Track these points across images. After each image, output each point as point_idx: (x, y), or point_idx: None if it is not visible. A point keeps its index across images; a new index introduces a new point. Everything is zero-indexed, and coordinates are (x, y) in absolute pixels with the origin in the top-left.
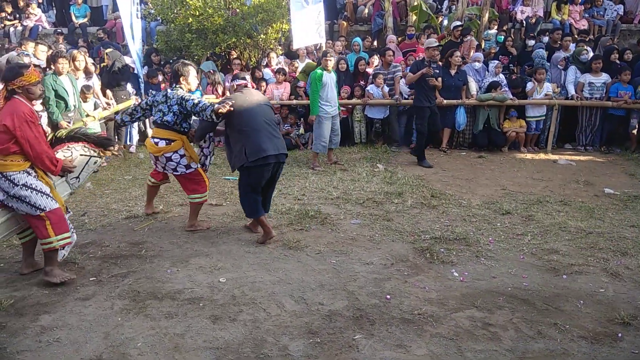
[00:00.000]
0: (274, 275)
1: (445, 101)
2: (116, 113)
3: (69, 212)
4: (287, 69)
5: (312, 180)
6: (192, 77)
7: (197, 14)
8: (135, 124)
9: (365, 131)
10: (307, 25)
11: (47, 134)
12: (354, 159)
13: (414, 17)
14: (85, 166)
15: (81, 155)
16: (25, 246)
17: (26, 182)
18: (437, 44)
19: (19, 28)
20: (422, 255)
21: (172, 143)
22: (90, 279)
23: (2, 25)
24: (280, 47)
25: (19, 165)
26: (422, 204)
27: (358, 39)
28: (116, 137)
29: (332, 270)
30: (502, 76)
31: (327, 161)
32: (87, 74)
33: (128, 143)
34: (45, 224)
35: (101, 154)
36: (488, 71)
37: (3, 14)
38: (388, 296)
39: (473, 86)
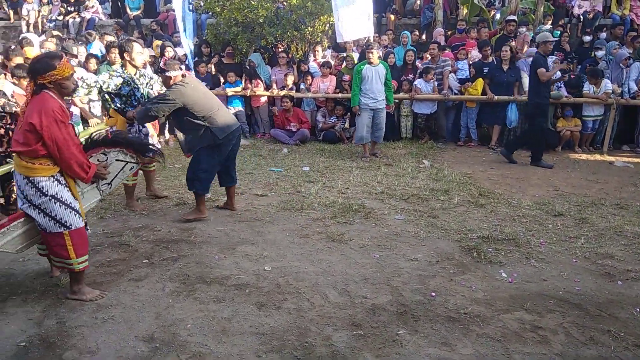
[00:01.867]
0: (317, 267)
1: (496, 97)
2: None
3: (87, 229)
4: (333, 62)
5: (355, 174)
6: (135, 53)
7: (242, 7)
8: None
9: (411, 126)
10: (355, 19)
11: (94, 125)
12: (399, 154)
13: (465, 11)
14: (120, 172)
15: (117, 160)
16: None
17: (56, 194)
18: (552, 38)
19: (77, 20)
20: (468, 254)
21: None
22: (143, 261)
23: (62, 16)
24: (327, 40)
25: (49, 169)
26: (469, 202)
27: (407, 32)
28: (167, 124)
29: (376, 265)
30: (558, 73)
31: (365, 152)
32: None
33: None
34: (66, 243)
35: (139, 160)
36: None
37: (64, 6)
38: (433, 293)
39: (526, 82)
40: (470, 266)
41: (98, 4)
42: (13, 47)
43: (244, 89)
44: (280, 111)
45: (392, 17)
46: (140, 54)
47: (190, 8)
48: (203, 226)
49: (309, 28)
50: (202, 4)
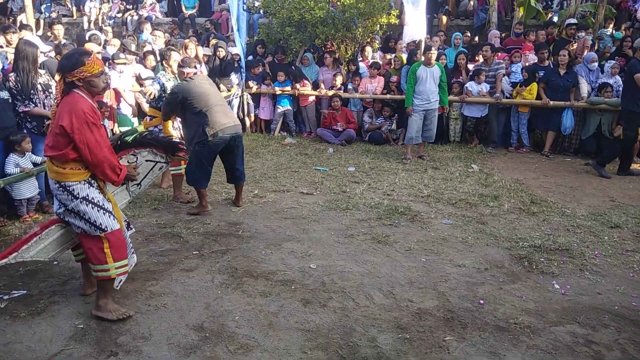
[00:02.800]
0: (362, 267)
1: (551, 102)
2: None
3: (132, 228)
4: (381, 63)
5: (402, 177)
6: (172, 60)
7: (300, 6)
8: (235, 112)
9: (460, 129)
10: (417, 20)
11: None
12: (447, 158)
13: (521, 13)
14: (150, 172)
15: (147, 161)
16: (83, 264)
17: (87, 195)
18: None
19: (135, 17)
20: (519, 263)
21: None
22: (194, 252)
23: (121, 14)
24: (377, 41)
25: (80, 174)
26: (520, 210)
27: (459, 34)
28: None
29: (422, 269)
30: (618, 78)
31: (413, 153)
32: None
33: None
34: (103, 247)
35: (168, 159)
36: (603, 72)
37: (123, 4)
38: (481, 301)
39: (584, 88)
40: (520, 275)
41: (156, 2)
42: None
43: (292, 88)
44: (329, 111)
45: (445, 18)
46: (177, 61)
47: (244, 8)
48: (250, 221)
49: (360, 28)
50: (256, 3)
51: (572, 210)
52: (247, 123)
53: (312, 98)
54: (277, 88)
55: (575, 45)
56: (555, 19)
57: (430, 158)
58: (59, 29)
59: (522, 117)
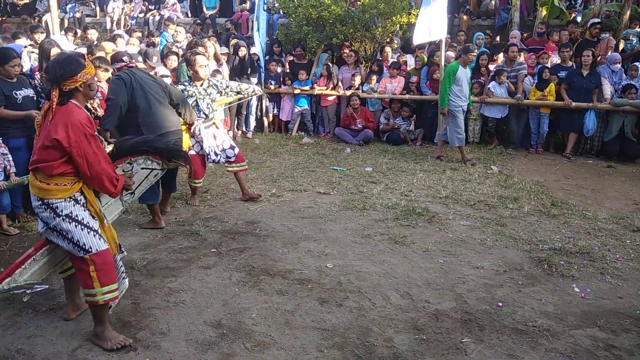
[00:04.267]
0: (379, 267)
1: (573, 104)
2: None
3: (122, 252)
4: (400, 63)
5: (419, 177)
6: (198, 66)
7: (317, 4)
8: (253, 111)
9: (479, 130)
10: (432, 21)
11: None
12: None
13: (544, 12)
14: (144, 180)
15: (142, 169)
16: (67, 282)
17: (70, 213)
18: None
19: (157, 17)
20: (539, 266)
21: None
22: (211, 250)
23: (143, 14)
24: (396, 41)
25: (65, 190)
26: (540, 212)
27: (481, 34)
28: (236, 121)
29: (440, 270)
30: None
31: (464, 156)
32: (217, 61)
33: (245, 129)
34: (89, 269)
35: (165, 166)
36: (626, 74)
37: (145, 4)
38: (500, 304)
39: (607, 89)
40: (540, 278)
41: (177, 3)
42: (95, 42)
43: (311, 88)
44: (347, 109)
45: (465, 17)
46: (205, 66)
47: (265, 8)
48: (267, 220)
49: (380, 28)
50: (276, 4)
51: (593, 213)
52: (265, 123)
53: (332, 98)
54: (296, 86)
55: (598, 47)
56: (579, 18)
57: (448, 159)
58: (92, 33)
59: (544, 117)
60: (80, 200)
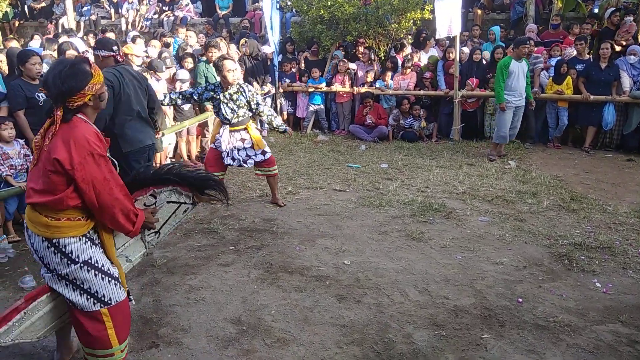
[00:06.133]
0: (397, 264)
1: (592, 97)
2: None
3: (131, 300)
4: (412, 59)
5: (436, 173)
6: (226, 71)
7: (329, 4)
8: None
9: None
10: (450, 15)
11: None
12: (482, 154)
13: (559, 5)
14: (172, 216)
15: (168, 202)
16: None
17: (90, 258)
18: None
19: (171, 18)
20: (559, 261)
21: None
22: (230, 247)
23: (157, 15)
24: (410, 37)
25: (80, 226)
26: (559, 207)
27: (497, 28)
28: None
29: (458, 266)
30: None
31: (501, 152)
32: None
33: (259, 128)
34: (106, 326)
35: (195, 200)
36: None
37: (159, 5)
38: (520, 299)
39: (626, 82)
40: (560, 274)
41: (191, 3)
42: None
43: (327, 85)
44: (360, 107)
45: (480, 11)
46: (232, 70)
47: (278, 7)
48: (284, 218)
49: (394, 25)
50: (289, 2)
51: (613, 208)
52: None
53: (346, 94)
54: (310, 84)
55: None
56: (596, 10)
57: (465, 154)
58: (111, 36)
59: (562, 111)
60: (95, 239)
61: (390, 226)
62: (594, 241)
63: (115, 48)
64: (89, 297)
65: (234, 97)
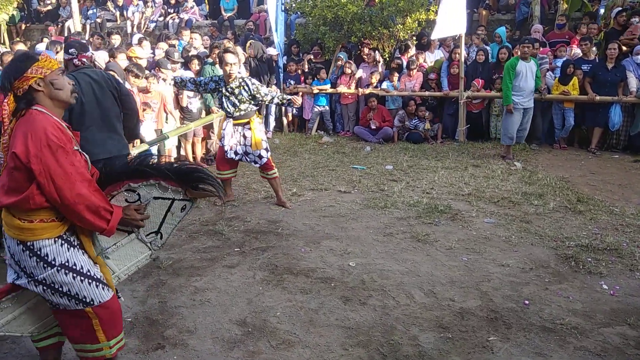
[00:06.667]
0: (402, 266)
1: (598, 97)
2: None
3: (120, 297)
4: (417, 60)
5: (441, 175)
6: (225, 64)
7: (332, 4)
8: (272, 111)
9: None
10: (452, 15)
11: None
12: (488, 155)
13: (565, 5)
14: (167, 214)
15: (155, 198)
16: (43, 354)
17: (67, 261)
18: None
19: (176, 20)
20: (565, 263)
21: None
22: (235, 249)
23: (163, 17)
24: (414, 38)
25: (54, 227)
26: (566, 208)
27: (502, 29)
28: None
29: (464, 268)
30: None
31: (509, 154)
32: None
33: (264, 129)
34: (92, 323)
35: (189, 195)
36: None
37: (164, 7)
38: (526, 301)
39: (633, 82)
40: (567, 276)
41: (196, 5)
42: (117, 45)
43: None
44: (365, 109)
45: (485, 12)
46: (232, 64)
47: (282, 9)
48: (289, 219)
49: (399, 25)
50: (293, 4)
51: (620, 209)
52: (285, 122)
53: (351, 95)
54: (315, 86)
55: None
56: (602, 10)
57: (470, 156)
58: (116, 39)
59: (568, 112)
60: (73, 240)
61: (395, 228)
62: (601, 243)
63: (72, 51)
64: (70, 298)
65: (236, 91)
